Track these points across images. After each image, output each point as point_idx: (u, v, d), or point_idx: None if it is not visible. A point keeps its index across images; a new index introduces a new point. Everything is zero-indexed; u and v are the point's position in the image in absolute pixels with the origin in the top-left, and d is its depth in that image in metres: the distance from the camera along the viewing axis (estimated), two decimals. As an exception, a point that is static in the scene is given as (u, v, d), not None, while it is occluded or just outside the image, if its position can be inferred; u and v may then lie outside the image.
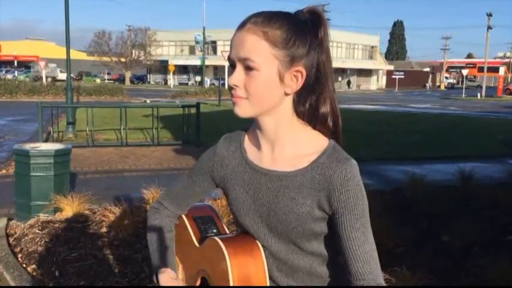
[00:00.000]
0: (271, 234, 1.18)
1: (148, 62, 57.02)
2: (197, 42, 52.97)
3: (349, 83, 61.86)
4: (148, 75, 63.63)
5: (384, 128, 13.90)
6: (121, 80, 56.86)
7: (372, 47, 66.57)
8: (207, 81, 51.18)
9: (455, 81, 77.41)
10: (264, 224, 1.18)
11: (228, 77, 1.14)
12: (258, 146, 1.21)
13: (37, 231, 4.32)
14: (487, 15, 49.12)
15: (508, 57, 79.28)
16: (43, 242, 4.09)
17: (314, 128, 1.18)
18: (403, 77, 61.99)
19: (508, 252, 3.89)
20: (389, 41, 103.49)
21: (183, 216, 1.38)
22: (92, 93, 27.53)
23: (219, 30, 58.75)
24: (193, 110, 10.41)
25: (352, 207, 1.09)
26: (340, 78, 60.08)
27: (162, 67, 58.14)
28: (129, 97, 28.78)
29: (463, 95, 42.74)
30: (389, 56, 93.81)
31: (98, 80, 54.40)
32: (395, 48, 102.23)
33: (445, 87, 70.34)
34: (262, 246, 1.19)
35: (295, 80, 1.11)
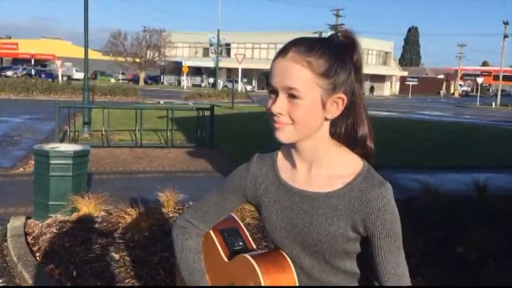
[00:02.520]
0: (304, 252, 1.20)
1: (163, 63, 57.34)
2: (211, 45, 53.21)
3: (372, 89, 61.86)
4: (162, 76, 63.98)
5: (398, 135, 13.84)
6: (135, 80, 57.22)
7: (386, 52, 66.23)
8: (220, 83, 51.26)
9: (469, 89, 76.72)
10: (297, 242, 1.20)
11: (271, 104, 1.14)
12: (293, 164, 1.24)
13: (55, 230, 4.39)
14: (504, 23, 48.68)
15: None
16: (61, 241, 4.15)
17: (352, 150, 1.21)
18: (416, 83, 61.61)
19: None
20: (403, 47, 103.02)
21: (210, 231, 1.39)
22: (107, 93, 27.76)
23: (233, 32, 59.03)
24: (207, 113, 10.48)
25: (389, 231, 1.12)
26: (353, 83, 59.70)
27: (176, 68, 58.41)
28: (143, 98, 28.96)
29: (478, 103, 42.36)
30: (404, 62, 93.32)
31: (113, 80, 54.81)
32: (410, 54, 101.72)
33: (459, 95, 69.78)
34: (294, 263, 1.22)
35: (336, 106, 1.14)
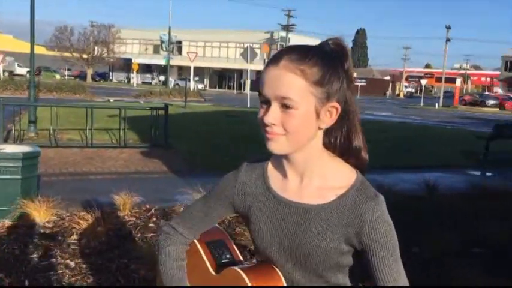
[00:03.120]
0: (295, 265, 1.17)
1: (111, 60, 55.88)
2: (162, 42, 52.44)
3: None
4: (110, 73, 62.33)
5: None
6: (82, 76, 55.44)
7: (336, 53, 67.61)
8: (172, 81, 50.58)
9: (414, 90, 79.63)
10: (287, 255, 1.17)
11: (262, 114, 1.10)
12: (283, 174, 1.20)
13: (3, 237, 4.14)
14: (446, 27, 50.88)
15: (463, 69, 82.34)
16: (10, 249, 3.92)
17: (346, 160, 1.18)
18: (364, 84, 63.26)
19: (479, 263, 4.03)
20: (352, 48, 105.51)
21: (196, 241, 1.34)
22: (53, 89, 26.68)
23: (185, 30, 58.39)
24: (160, 111, 10.27)
25: (384, 243, 1.10)
26: (304, 83, 60.73)
27: (125, 65, 57.12)
28: (92, 95, 28.08)
29: (422, 104, 44.04)
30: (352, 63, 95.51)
31: (58, 76, 52.79)
32: (358, 55, 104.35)
33: (404, 96, 72.31)
34: (285, 277, 1.18)
35: (329, 115, 1.11)
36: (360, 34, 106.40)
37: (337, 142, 1.17)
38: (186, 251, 1.33)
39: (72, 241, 4.13)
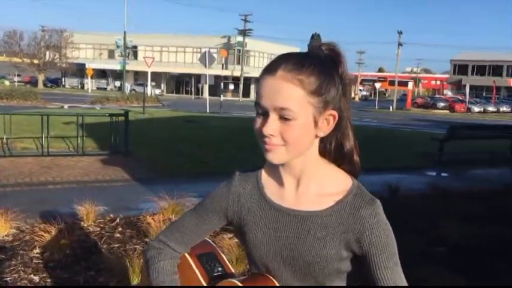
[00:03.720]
0: (293, 274, 1.16)
1: (64, 65, 54.31)
2: (118, 47, 51.35)
3: None
4: (63, 79, 60.49)
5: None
6: (33, 82, 53.62)
7: (292, 58, 68.40)
8: (128, 86, 49.65)
9: (368, 93, 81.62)
10: (286, 264, 1.15)
11: (260, 125, 1.09)
12: (279, 182, 1.19)
13: (-41, 253, 3.92)
14: (398, 33, 52.50)
15: (414, 72, 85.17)
16: (-33, 266, 3.72)
17: (339, 166, 1.18)
18: (321, 88, 64.20)
19: (442, 262, 4.15)
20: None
21: (186, 255, 1.31)
22: (3, 96, 25.64)
23: (141, 35, 57.51)
24: (120, 118, 10.04)
25: (384, 247, 1.11)
26: (261, 88, 61.09)
27: (79, 70, 55.64)
28: (44, 101, 27.16)
29: (376, 107, 45.18)
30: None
31: (7, 82, 50.88)
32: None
33: (360, 99, 73.98)
34: (282, 287, 1.17)
35: (327, 123, 1.11)
36: (315, 39, 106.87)
37: (331, 148, 1.18)
38: (177, 265, 1.30)
39: (35, 255, 3.96)
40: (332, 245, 1.11)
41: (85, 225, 4.78)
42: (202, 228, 1.26)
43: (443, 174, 10.02)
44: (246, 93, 56.63)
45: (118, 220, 5.06)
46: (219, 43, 56.10)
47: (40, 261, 3.85)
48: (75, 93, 45.14)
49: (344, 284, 1.19)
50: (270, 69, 1.08)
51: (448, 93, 65.04)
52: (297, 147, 1.09)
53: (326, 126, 1.11)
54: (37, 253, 3.98)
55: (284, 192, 1.18)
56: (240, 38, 55.84)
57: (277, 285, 1.16)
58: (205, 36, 57.86)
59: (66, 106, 24.56)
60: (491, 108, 47.60)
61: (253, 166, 1.27)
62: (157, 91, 49.39)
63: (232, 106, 34.49)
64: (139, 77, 56.28)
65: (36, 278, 3.57)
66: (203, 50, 26.81)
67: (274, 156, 1.09)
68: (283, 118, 1.06)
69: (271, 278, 1.17)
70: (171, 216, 5.13)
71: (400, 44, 51.98)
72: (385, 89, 74.73)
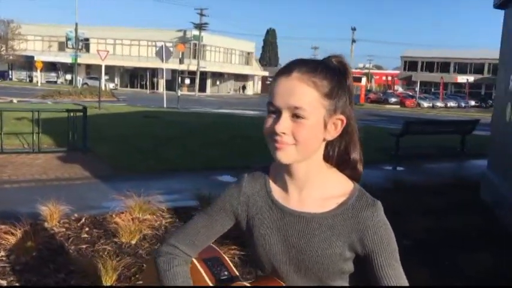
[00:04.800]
0: (300, 274, 1.20)
1: (11, 57, 52.04)
2: (69, 39, 49.77)
3: (244, 88, 64.47)
4: (10, 72, 57.95)
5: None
6: (-23, 75, 51.06)
7: (248, 53, 68.55)
8: (80, 80, 48.20)
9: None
10: (293, 264, 1.20)
11: (272, 124, 1.13)
12: (284, 188, 1.23)
13: None
14: (352, 29, 53.61)
15: (366, 68, 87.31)
16: None
17: (341, 171, 1.23)
18: (277, 83, 64.75)
19: (407, 256, 4.30)
20: (262, 47, 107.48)
21: (194, 259, 1.32)
22: None
23: (93, 27, 55.91)
24: (77, 113, 9.74)
25: (386, 246, 1.16)
26: (218, 82, 60.88)
27: (27, 63, 53.45)
28: (-9, 96, 25.99)
29: (332, 102, 45.96)
30: (263, 62, 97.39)
31: (-51, 75, 48.21)
32: (268, 55, 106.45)
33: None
34: (290, 287, 1.21)
35: (335, 128, 1.16)
36: (270, 34, 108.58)
37: (335, 154, 1.23)
38: None
39: (0, 258, 3.81)
40: (337, 245, 1.16)
41: (49, 226, 4.65)
42: (213, 230, 1.28)
43: (400, 168, 10.36)
44: (203, 88, 56.28)
45: (84, 220, 4.94)
46: (175, 37, 55.36)
47: (6, 264, 3.71)
48: (24, 87, 43.34)
49: (346, 283, 1.25)
50: (285, 71, 1.13)
51: (399, 88, 67.11)
52: (306, 148, 1.13)
53: (334, 130, 1.17)
54: (2, 256, 3.84)
55: (288, 195, 1.22)
56: (196, 32, 55.33)
57: (283, 285, 1.20)
58: (160, 29, 56.96)
59: (15, 100, 23.58)
60: (439, 104, 49.59)
61: (259, 166, 1.30)
62: (112, 85, 48.18)
63: (189, 101, 34.19)
64: (91, 70, 54.76)
65: (3, 282, 3.45)
66: (158, 44, 26.45)
67: (284, 155, 1.13)
68: (295, 117, 1.10)
69: (277, 280, 1.21)
70: (139, 215, 5.06)
71: (353, 41, 53.11)
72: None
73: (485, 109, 47.50)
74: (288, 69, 1.13)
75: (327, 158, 1.22)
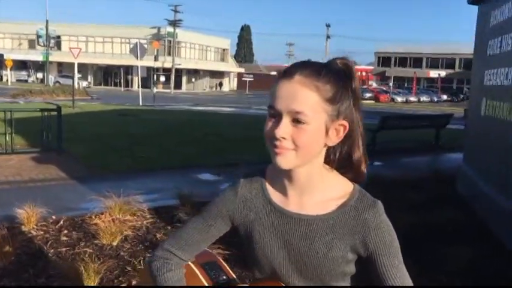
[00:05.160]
0: (301, 277, 1.18)
1: (-21, 56, 50.60)
2: (39, 37, 48.63)
3: (221, 84, 64.50)
4: (-22, 70, 56.35)
5: (250, 131, 14.33)
6: None
7: (224, 49, 68.30)
8: (51, 78, 47.20)
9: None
10: (294, 267, 1.18)
11: (272, 128, 1.10)
12: (283, 191, 1.20)
13: None
14: (326, 25, 53.98)
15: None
16: None
17: (343, 174, 1.20)
18: (252, 79, 64.80)
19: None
20: (237, 44, 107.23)
21: (191, 264, 1.30)
22: None
23: (64, 24, 54.79)
24: (51, 113, 9.51)
25: (389, 246, 1.15)
26: (193, 79, 60.50)
27: (-4, 62, 52.08)
28: (-41, 95, 25.23)
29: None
30: (238, 58, 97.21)
31: None
32: (244, 51, 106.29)
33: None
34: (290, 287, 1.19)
35: (336, 133, 1.13)
36: (245, 30, 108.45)
37: (336, 158, 1.20)
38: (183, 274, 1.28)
39: (-24, 264, 3.69)
40: (339, 248, 1.14)
41: (27, 229, 4.53)
42: (208, 234, 1.25)
43: (377, 163, 10.48)
44: (178, 85, 55.84)
45: (62, 222, 4.83)
46: (149, 34, 54.71)
47: (-17, 270, 3.60)
48: (-7, 86, 42.23)
49: (348, 284, 1.23)
50: (287, 74, 1.10)
51: (373, 84, 67.91)
52: (307, 153, 1.10)
53: (335, 136, 1.13)
54: (-22, 262, 3.72)
55: (288, 199, 1.19)
56: (170, 29, 54.80)
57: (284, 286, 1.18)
58: (133, 26, 56.17)
59: (-15, 100, 22.96)
60: (412, 99, 50.37)
61: (255, 169, 1.27)
62: (85, 83, 47.33)
63: (165, 98, 33.86)
64: (63, 68, 53.71)
65: (-19, 289, 3.34)
66: (132, 41, 26.08)
67: (283, 160, 1.10)
68: (296, 122, 1.07)
69: (279, 282, 1.19)
70: (119, 215, 4.98)
71: (328, 37, 53.48)
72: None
73: (456, 103, 48.51)
74: (290, 72, 1.10)
75: (327, 161, 1.19)
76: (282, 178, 1.19)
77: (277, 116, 1.09)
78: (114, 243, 4.28)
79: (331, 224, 1.15)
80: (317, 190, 1.17)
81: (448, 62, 65.99)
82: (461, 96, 55.50)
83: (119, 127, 13.86)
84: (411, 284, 1.16)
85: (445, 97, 53.87)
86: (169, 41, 55.03)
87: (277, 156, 1.10)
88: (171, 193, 6.04)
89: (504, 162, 5.23)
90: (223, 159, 9.26)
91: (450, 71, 65.05)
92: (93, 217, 4.97)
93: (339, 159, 1.20)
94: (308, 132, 1.08)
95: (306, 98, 1.07)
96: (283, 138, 1.08)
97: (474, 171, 6.63)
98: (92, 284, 3.34)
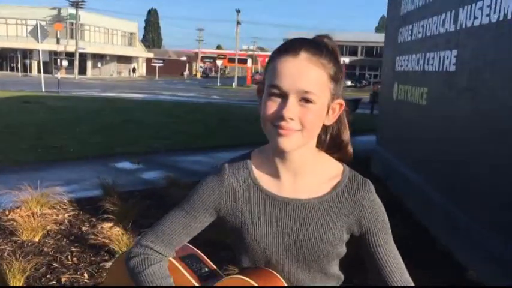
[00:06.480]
0: (297, 263, 1.16)
1: None
2: None
3: (134, 70, 62.34)
4: None
5: (166, 118, 14.05)
6: None
7: (131, 33, 65.90)
8: None
9: (209, 70, 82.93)
10: (289, 254, 1.15)
11: (278, 108, 1.04)
12: (274, 174, 1.16)
13: None
14: (236, 11, 54.02)
15: (251, 50, 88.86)
16: None
17: (331, 154, 1.20)
18: (162, 65, 63.34)
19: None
20: (144, 28, 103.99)
21: (171, 259, 1.23)
22: None
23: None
24: None
25: (381, 223, 1.17)
26: (99, 64, 57.77)
27: None
28: None
29: (219, 84, 46.21)
30: (146, 43, 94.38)
31: None
32: (152, 36, 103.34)
33: (201, 76, 74.80)
34: (284, 277, 1.17)
35: (332, 112, 1.12)
36: (152, 14, 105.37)
37: (327, 138, 1.19)
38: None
39: None
40: (335, 229, 1.14)
41: None
42: (192, 227, 1.18)
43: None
44: (82, 71, 53.06)
45: (-28, 220, 4.40)
46: (48, 15, 51.25)
47: None
48: None
49: (337, 267, 1.23)
50: (290, 50, 1.04)
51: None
52: (311, 133, 1.08)
53: (332, 115, 1.12)
54: None
55: (281, 183, 1.16)
56: (72, 10, 51.70)
57: (278, 275, 1.16)
58: (31, 7, 52.26)
59: None
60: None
61: (239, 155, 1.22)
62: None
63: (69, 84, 32.01)
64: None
65: None
66: (29, 22, 24.25)
67: (289, 142, 1.05)
68: (303, 101, 1.03)
69: (270, 270, 1.17)
70: (36, 209, 4.65)
71: (238, 23, 53.59)
72: (225, 66, 76.73)
73: (360, 89, 51.19)
74: (294, 47, 1.04)
75: (318, 142, 1.17)
76: (274, 161, 1.14)
77: (281, 96, 1.03)
78: (36, 239, 3.99)
79: (326, 206, 1.14)
80: (310, 172, 1.15)
81: (351, 49, 69.05)
82: (364, 82, 58.64)
83: (25, 115, 12.87)
84: (402, 262, 1.18)
85: (349, 83, 56.50)
86: (72, 23, 51.97)
87: (281, 138, 1.04)
88: (91, 183, 5.75)
89: (418, 143, 5.60)
90: (142, 146, 8.99)
91: (353, 58, 68.25)
92: (8, 212, 4.59)
93: (329, 141, 1.19)
94: (314, 111, 1.04)
95: (315, 77, 1.03)
96: (291, 119, 1.03)
97: (386, 152, 7.05)
98: (18, 284, 3.09)
